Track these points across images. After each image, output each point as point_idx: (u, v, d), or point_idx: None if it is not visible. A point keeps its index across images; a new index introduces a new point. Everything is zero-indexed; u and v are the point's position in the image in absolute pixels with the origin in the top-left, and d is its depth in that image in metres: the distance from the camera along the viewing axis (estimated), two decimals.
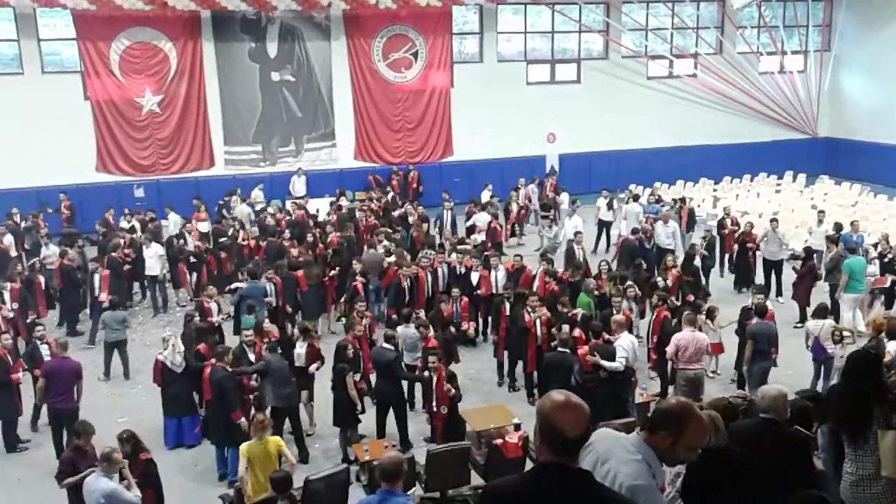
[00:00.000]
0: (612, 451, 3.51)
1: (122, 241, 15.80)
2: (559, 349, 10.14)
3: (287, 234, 16.44)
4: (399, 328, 11.27)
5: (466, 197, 20.34)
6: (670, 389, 11.37)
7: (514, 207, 20.08)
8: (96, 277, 14.27)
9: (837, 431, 5.43)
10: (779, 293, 15.38)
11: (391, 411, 10.27)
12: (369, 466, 8.57)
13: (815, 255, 14.65)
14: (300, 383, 10.64)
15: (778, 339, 10.88)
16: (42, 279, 14.97)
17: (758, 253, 15.98)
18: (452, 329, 12.20)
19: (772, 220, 16.48)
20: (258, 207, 19.92)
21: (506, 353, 12.15)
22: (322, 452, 10.37)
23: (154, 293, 15.93)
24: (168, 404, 10.57)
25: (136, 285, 16.49)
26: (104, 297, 13.87)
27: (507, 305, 12.01)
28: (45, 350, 10.76)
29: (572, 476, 2.97)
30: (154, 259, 15.65)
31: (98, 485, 7.15)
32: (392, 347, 10.40)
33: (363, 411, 10.31)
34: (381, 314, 13.93)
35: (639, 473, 3.37)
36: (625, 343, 10.19)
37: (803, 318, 13.65)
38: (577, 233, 15.97)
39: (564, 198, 20.45)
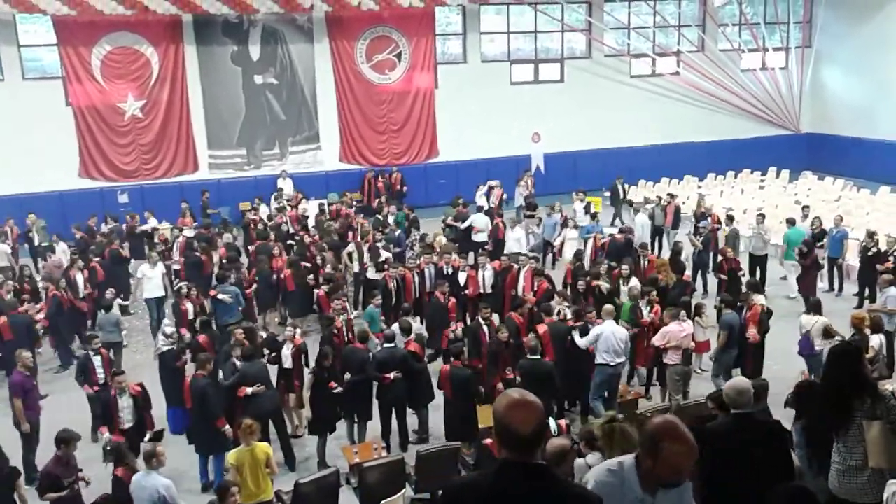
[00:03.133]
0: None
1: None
2: (529, 356, 9.86)
3: (273, 235, 16.47)
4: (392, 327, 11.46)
5: (452, 198, 20.29)
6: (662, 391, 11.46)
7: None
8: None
9: (813, 427, 5.47)
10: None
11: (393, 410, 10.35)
12: (359, 469, 8.57)
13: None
14: (288, 386, 10.63)
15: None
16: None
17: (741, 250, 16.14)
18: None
19: (758, 216, 16.58)
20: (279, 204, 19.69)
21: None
22: (309, 457, 10.31)
23: (154, 314, 14.58)
24: None
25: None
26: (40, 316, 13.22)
27: (486, 329, 11.20)
28: (97, 361, 10.61)
29: (533, 472, 2.96)
30: (158, 279, 14.61)
31: (153, 481, 7.38)
32: (394, 345, 10.43)
33: (339, 418, 10.26)
34: None
35: (597, 474, 3.45)
36: (599, 328, 10.40)
37: None
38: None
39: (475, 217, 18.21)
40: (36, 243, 18.15)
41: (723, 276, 14.28)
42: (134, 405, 9.63)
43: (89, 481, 8.05)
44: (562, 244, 17.73)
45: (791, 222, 16.15)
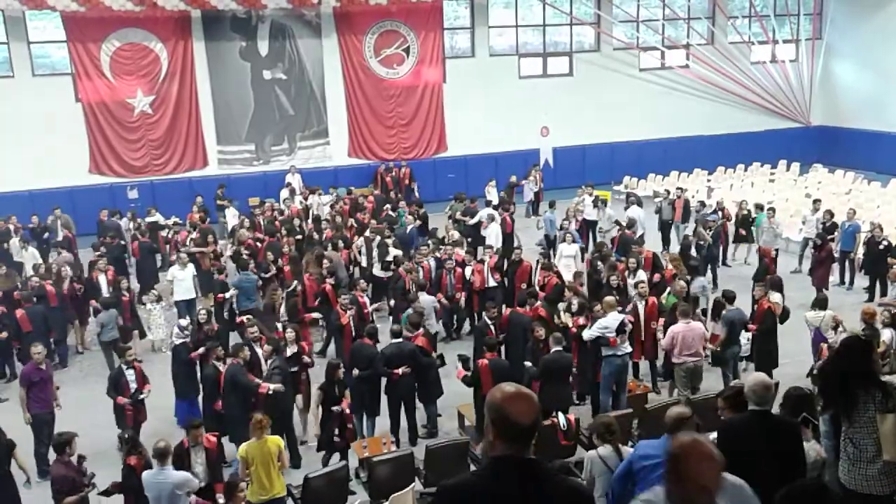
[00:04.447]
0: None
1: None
2: (554, 349, 9.87)
3: (284, 230, 16.51)
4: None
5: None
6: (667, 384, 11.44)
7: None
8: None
9: (838, 416, 5.46)
10: None
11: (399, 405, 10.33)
12: (368, 463, 8.59)
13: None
14: (294, 387, 10.46)
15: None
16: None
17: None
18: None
19: (768, 210, 16.49)
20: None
21: None
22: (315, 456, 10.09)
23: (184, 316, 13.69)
24: None
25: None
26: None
27: (493, 329, 11.08)
28: (130, 375, 10.20)
29: (529, 468, 2.95)
30: (189, 281, 14.20)
31: (168, 477, 7.45)
32: (401, 339, 10.40)
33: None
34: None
35: None
36: (606, 321, 10.36)
37: None
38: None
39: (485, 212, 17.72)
40: (59, 238, 18.10)
41: None
42: (207, 461, 8.46)
43: (83, 456, 8.09)
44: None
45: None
